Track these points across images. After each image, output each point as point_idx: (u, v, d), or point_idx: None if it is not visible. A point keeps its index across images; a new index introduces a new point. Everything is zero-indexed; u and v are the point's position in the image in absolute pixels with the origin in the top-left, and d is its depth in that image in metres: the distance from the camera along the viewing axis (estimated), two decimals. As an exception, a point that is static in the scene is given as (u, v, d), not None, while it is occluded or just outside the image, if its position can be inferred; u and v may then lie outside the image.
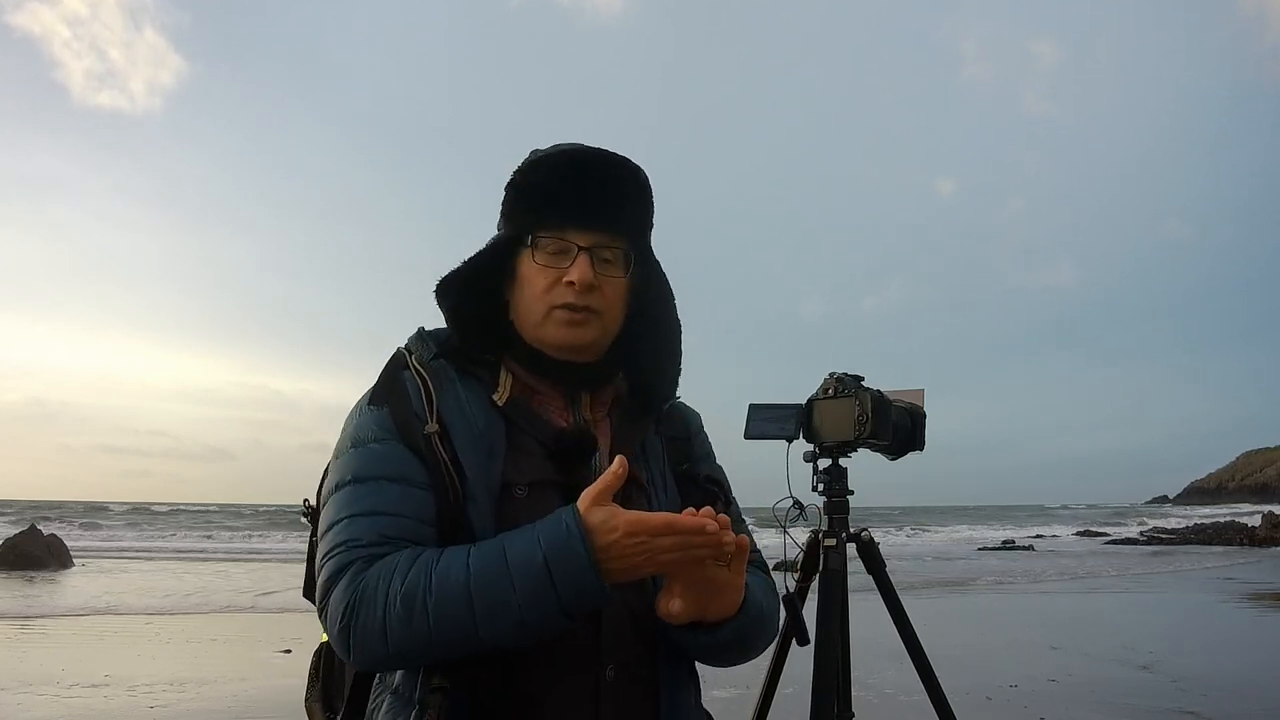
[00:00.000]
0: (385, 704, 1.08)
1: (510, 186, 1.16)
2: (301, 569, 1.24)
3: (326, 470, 1.38)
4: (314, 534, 1.41)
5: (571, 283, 1.11)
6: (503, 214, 1.18)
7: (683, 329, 1.27)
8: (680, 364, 1.27)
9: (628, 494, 1.16)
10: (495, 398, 1.14)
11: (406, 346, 1.19)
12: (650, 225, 1.21)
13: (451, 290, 1.17)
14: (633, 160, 1.15)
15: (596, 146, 1.13)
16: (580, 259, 1.12)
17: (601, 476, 0.99)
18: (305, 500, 1.42)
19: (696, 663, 1.24)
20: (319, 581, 1.05)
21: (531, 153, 1.17)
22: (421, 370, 1.13)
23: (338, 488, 1.08)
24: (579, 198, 1.12)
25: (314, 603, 1.42)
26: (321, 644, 1.36)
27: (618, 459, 0.99)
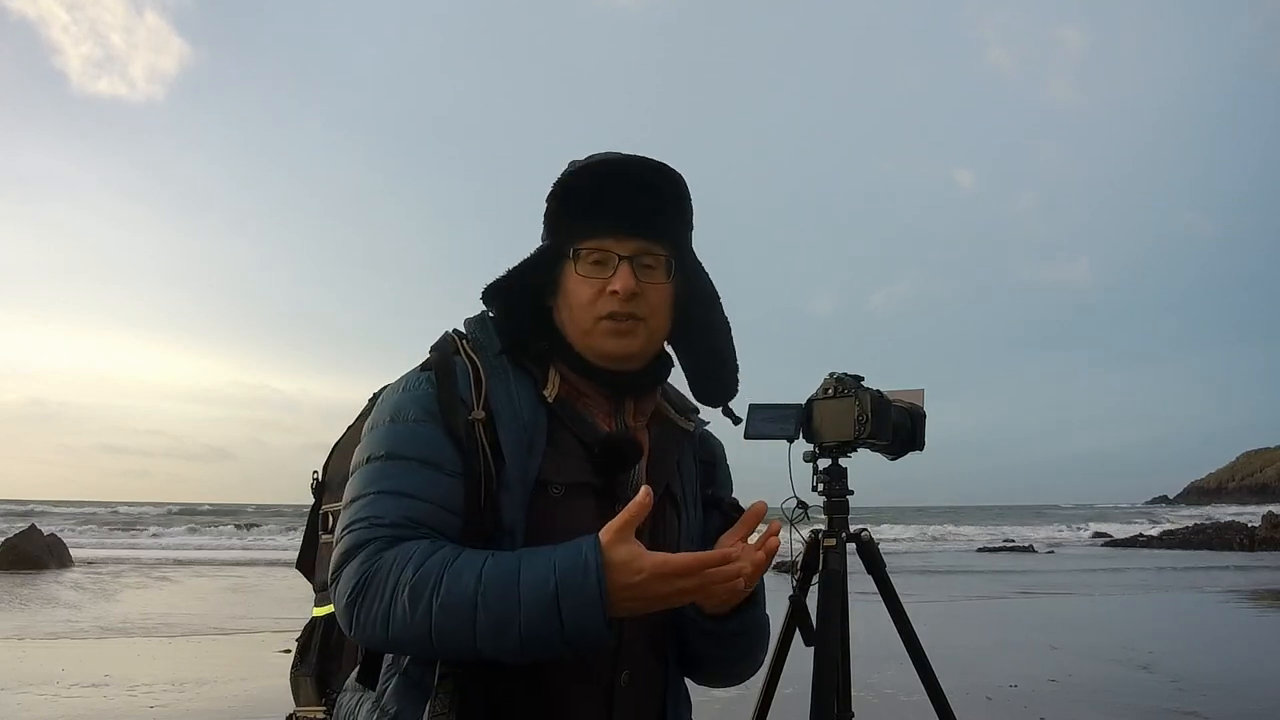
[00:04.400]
0: (394, 683, 1.08)
1: (551, 198, 1.16)
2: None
3: (335, 447, 1.38)
4: (316, 507, 1.44)
5: (615, 291, 1.11)
6: (545, 225, 1.18)
7: (731, 327, 1.27)
8: (736, 361, 1.28)
9: (662, 508, 1.17)
10: (545, 393, 1.14)
11: (459, 330, 1.19)
12: (690, 229, 1.21)
13: (498, 298, 1.18)
14: (670, 165, 1.15)
15: (634, 154, 1.13)
16: (622, 268, 1.12)
17: (627, 507, 0.96)
18: (314, 473, 1.44)
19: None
20: (335, 552, 1.04)
21: (570, 164, 1.17)
22: (474, 355, 1.13)
23: (369, 460, 1.08)
24: (617, 207, 1.13)
25: (307, 575, 1.46)
26: (315, 618, 1.37)
27: (644, 489, 0.97)
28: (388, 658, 1.10)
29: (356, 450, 1.12)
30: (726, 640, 1.17)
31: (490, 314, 1.20)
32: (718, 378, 1.27)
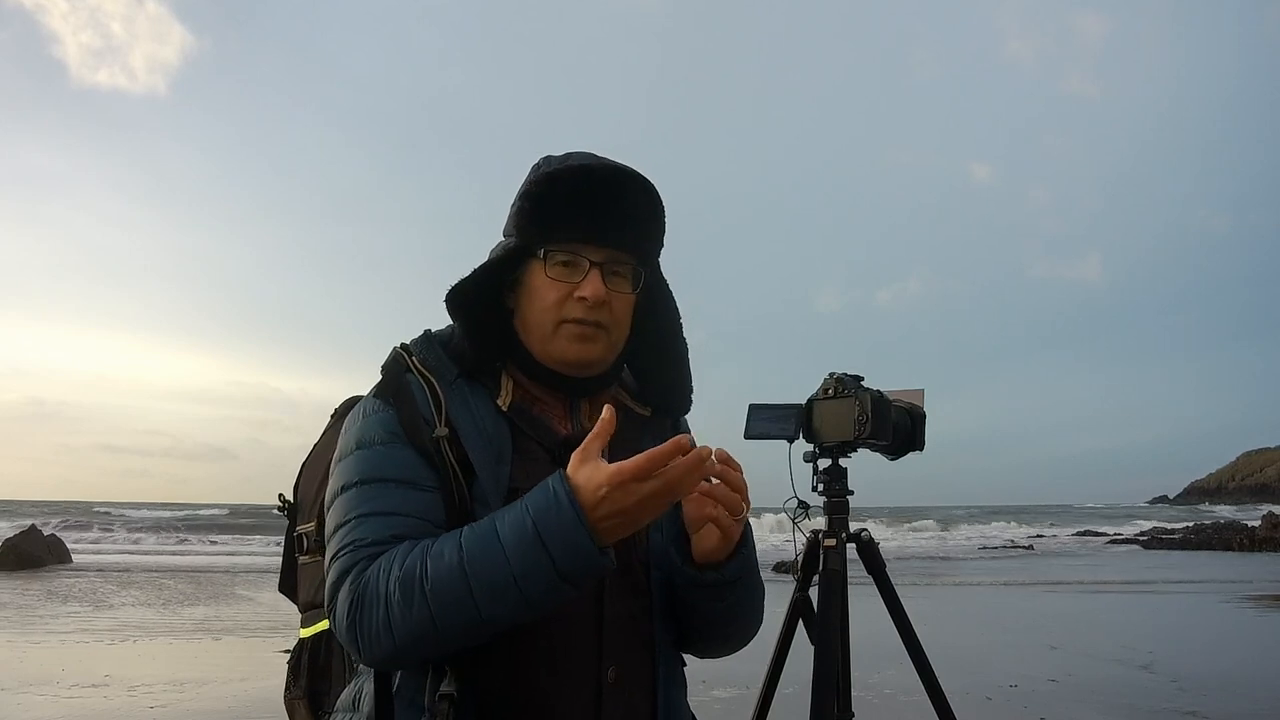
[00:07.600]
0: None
1: (524, 197, 1.14)
2: None
3: (303, 467, 1.39)
4: (291, 529, 1.44)
5: (583, 298, 1.11)
6: (514, 223, 1.16)
7: (688, 349, 1.27)
8: (691, 382, 1.27)
9: None
10: (499, 402, 1.14)
11: (407, 348, 1.18)
12: (660, 244, 1.20)
13: (461, 299, 1.17)
14: (648, 178, 1.14)
15: (612, 161, 1.13)
16: (592, 274, 1.12)
17: (592, 430, 0.96)
18: (280, 495, 1.46)
19: (690, 659, 1.26)
20: (327, 583, 1.04)
21: (544, 159, 1.16)
22: (427, 373, 1.13)
23: (343, 490, 1.08)
24: (592, 214, 1.12)
25: (291, 597, 1.46)
26: (303, 638, 1.37)
27: (606, 407, 0.97)
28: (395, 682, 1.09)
29: (330, 481, 1.11)
30: (724, 590, 1.14)
31: (434, 331, 1.20)
32: (671, 393, 1.26)
